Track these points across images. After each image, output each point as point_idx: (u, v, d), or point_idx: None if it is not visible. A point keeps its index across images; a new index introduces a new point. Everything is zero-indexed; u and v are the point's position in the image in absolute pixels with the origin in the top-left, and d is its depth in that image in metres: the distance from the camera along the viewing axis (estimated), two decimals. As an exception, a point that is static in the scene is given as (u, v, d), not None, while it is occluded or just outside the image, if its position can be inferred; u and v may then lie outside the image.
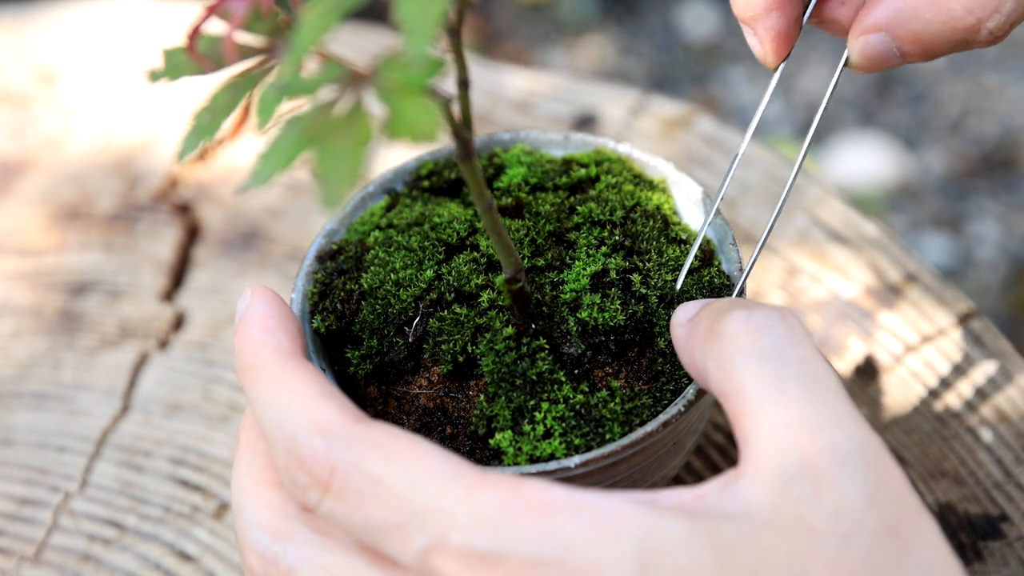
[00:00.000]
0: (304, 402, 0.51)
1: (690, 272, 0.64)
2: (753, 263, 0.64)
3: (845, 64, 0.63)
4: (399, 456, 0.49)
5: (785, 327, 0.50)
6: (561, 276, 0.63)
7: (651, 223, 0.65)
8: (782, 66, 0.64)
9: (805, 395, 0.48)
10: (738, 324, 0.51)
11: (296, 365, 0.53)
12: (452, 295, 0.62)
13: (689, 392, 0.58)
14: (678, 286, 0.63)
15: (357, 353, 0.63)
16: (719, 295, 0.63)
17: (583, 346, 0.61)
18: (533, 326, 0.61)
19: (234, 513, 0.55)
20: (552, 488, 0.47)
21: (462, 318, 0.61)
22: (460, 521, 0.47)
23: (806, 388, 0.48)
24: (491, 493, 0.47)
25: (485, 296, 0.62)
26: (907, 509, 0.47)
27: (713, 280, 0.64)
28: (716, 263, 0.65)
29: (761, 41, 0.62)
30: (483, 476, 0.48)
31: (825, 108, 0.64)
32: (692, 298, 0.63)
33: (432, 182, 0.70)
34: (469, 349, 0.61)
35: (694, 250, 0.63)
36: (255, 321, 0.55)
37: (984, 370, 0.77)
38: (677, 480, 0.74)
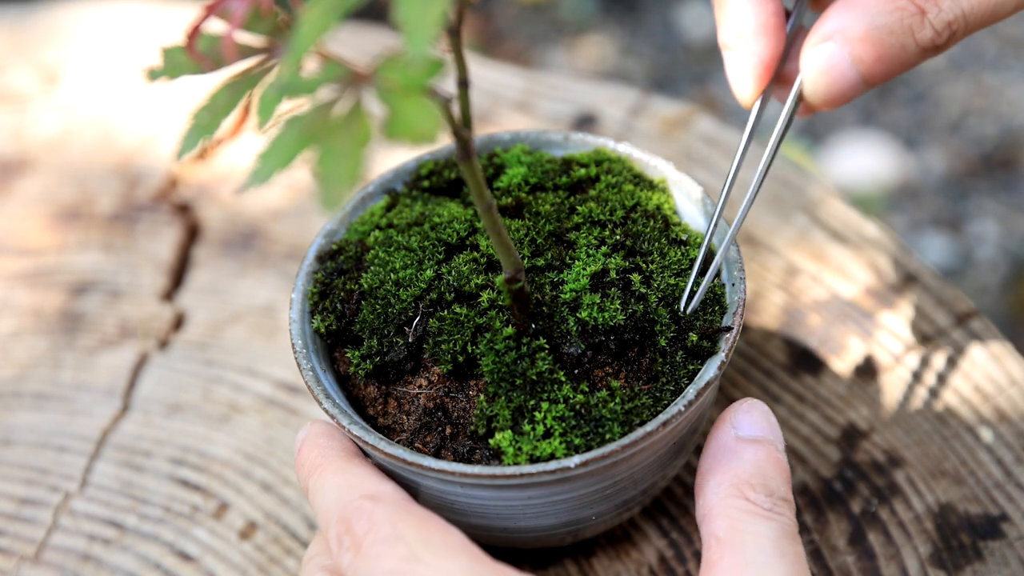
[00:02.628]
0: (365, 480, 0.58)
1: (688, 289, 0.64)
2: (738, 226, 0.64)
3: (797, 100, 0.62)
4: (430, 527, 0.54)
5: (793, 522, 0.57)
6: (561, 276, 0.63)
7: (651, 223, 0.65)
8: (757, 106, 0.63)
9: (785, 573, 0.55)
10: (763, 496, 0.57)
11: (361, 460, 0.60)
12: (452, 295, 0.62)
13: (689, 392, 0.58)
14: (689, 309, 0.63)
15: (357, 353, 0.63)
16: (719, 302, 0.63)
17: (583, 346, 0.61)
18: (533, 326, 0.61)
19: None
20: None
21: (462, 318, 0.61)
22: None
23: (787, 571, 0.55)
24: None
25: (485, 296, 0.62)
26: None
27: (715, 290, 0.64)
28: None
29: (743, 68, 0.61)
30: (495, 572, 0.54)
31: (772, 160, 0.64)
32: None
33: (432, 182, 0.70)
34: (469, 349, 0.61)
35: (707, 280, 0.63)
36: (321, 433, 0.62)
37: (984, 370, 0.77)
38: (677, 480, 0.74)
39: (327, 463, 0.60)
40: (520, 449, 0.58)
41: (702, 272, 0.64)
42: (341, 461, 0.60)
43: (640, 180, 0.69)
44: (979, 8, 0.58)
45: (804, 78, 0.60)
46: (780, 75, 0.63)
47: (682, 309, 0.62)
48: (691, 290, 0.63)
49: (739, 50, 0.61)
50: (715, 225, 0.64)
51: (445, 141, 0.66)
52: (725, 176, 0.65)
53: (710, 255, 0.64)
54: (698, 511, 0.58)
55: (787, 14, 0.63)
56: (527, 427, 0.59)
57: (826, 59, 0.59)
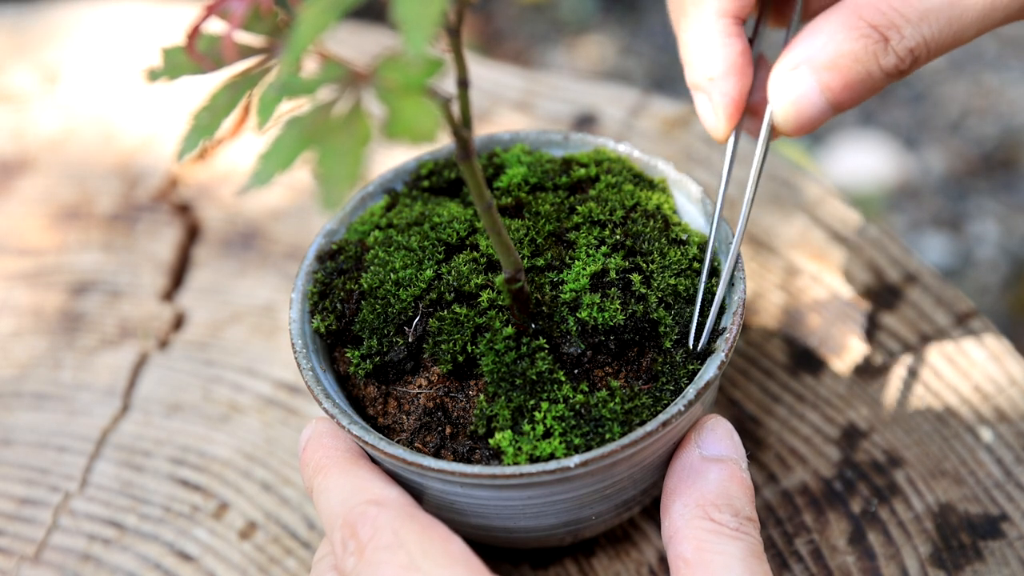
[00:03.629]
0: (371, 484, 0.58)
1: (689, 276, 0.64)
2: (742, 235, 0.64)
3: (770, 131, 0.62)
4: (432, 536, 0.55)
5: (759, 540, 0.58)
6: (561, 276, 0.63)
7: (651, 223, 0.65)
8: (732, 139, 0.64)
9: None
10: (729, 516, 0.58)
11: (367, 463, 0.60)
12: (452, 295, 0.62)
13: (689, 392, 0.58)
14: (698, 346, 0.62)
15: (357, 353, 0.63)
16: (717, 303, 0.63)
17: (583, 346, 0.61)
18: (533, 326, 0.61)
19: None
20: None
21: (462, 318, 0.61)
22: None
23: None
24: None
25: (485, 296, 0.62)
26: None
27: (712, 289, 0.64)
28: (715, 264, 0.65)
29: (715, 107, 0.62)
30: None
31: (756, 187, 0.64)
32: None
33: (432, 182, 0.70)
34: (469, 349, 0.61)
35: (714, 310, 0.63)
36: (326, 432, 0.62)
37: (984, 370, 0.77)
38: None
39: (332, 464, 0.60)
40: (520, 449, 0.58)
41: (707, 277, 0.64)
42: (347, 463, 0.60)
43: (640, 180, 0.69)
44: (940, 34, 0.58)
45: (774, 108, 0.60)
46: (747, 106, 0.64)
47: (691, 345, 0.62)
48: (698, 323, 0.62)
49: (710, 91, 0.62)
50: (712, 246, 0.65)
51: (445, 141, 0.66)
52: (723, 182, 0.65)
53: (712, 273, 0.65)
54: (664, 532, 0.59)
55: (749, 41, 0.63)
56: (527, 427, 0.59)
57: (795, 88, 0.59)
